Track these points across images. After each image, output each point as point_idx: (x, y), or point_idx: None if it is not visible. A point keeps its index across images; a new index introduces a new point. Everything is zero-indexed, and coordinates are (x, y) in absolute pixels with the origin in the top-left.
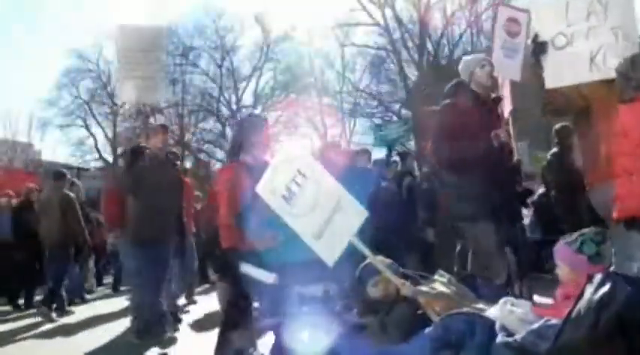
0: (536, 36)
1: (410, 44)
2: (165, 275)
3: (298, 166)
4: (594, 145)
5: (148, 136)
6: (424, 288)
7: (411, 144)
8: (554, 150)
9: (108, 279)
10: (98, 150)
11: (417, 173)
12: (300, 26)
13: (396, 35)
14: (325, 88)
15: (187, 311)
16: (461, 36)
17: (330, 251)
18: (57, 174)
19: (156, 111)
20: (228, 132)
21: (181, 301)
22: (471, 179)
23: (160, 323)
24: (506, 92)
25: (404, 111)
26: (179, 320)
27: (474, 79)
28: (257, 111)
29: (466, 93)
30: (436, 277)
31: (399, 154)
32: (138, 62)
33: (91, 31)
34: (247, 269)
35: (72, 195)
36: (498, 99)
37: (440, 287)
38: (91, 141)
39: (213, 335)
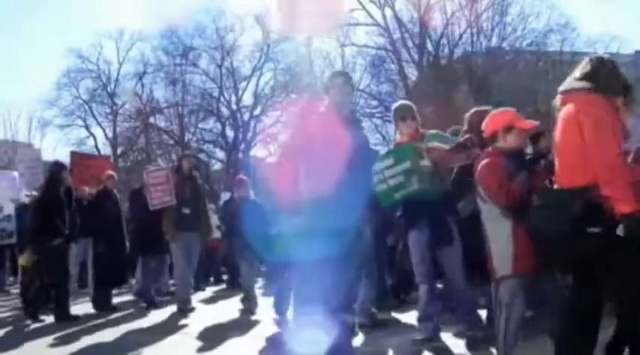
0: None
1: (410, 44)
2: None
3: None
4: None
5: (327, 88)
6: None
7: None
8: None
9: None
10: (98, 150)
11: None
12: None
13: (396, 35)
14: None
15: None
16: (461, 36)
17: None
18: None
19: (156, 111)
20: (229, 132)
21: None
22: None
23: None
24: None
25: None
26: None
27: None
28: None
29: None
30: None
31: None
32: None
33: (90, 31)
34: None
35: None
36: None
37: None
38: (91, 141)
39: None
